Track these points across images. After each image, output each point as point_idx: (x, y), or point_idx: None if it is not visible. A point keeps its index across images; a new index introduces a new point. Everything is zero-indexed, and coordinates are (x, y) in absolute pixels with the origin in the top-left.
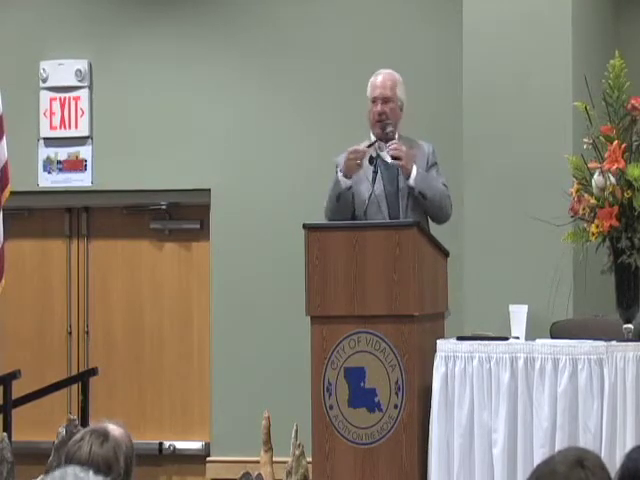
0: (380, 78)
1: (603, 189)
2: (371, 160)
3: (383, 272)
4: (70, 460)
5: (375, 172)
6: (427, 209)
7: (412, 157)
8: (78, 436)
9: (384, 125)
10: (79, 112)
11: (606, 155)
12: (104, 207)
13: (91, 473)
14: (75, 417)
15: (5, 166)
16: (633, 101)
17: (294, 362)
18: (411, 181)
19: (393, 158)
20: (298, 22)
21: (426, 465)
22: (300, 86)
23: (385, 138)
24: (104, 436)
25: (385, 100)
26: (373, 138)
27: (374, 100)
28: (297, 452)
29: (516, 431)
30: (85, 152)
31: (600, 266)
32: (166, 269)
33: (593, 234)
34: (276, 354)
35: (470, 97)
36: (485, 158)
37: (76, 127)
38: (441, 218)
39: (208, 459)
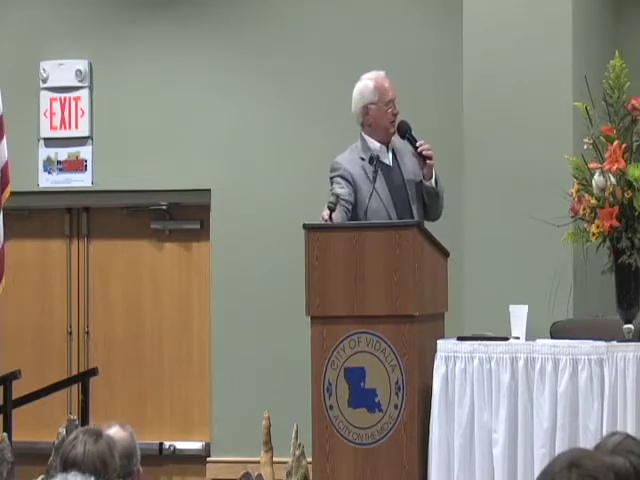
0: (387, 81)
1: (603, 189)
2: (371, 160)
3: (383, 272)
4: (66, 459)
5: (375, 172)
6: (432, 206)
7: None
8: (72, 436)
9: (402, 126)
10: (79, 112)
11: (606, 155)
12: (104, 207)
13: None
14: (75, 417)
15: (5, 166)
16: (633, 101)
17: (294, 362)
18: (433, 182)
19: (427, 158)
20: (298, 22)
21: (426, 465)
22: (300, 86)
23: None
24: (97, 434)
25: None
26: (376, 144)
27: (389, 102)
28: (297, 452)
29: (516, 431)
30: (85, 152)
31: (600, 266)
32: (166, 269)
33: (593, 234)
34: (276, 354)
35: (470, 97)
36: (485, 158)
37: (76, 127)
38: (438, 216)
39: (208, 459)
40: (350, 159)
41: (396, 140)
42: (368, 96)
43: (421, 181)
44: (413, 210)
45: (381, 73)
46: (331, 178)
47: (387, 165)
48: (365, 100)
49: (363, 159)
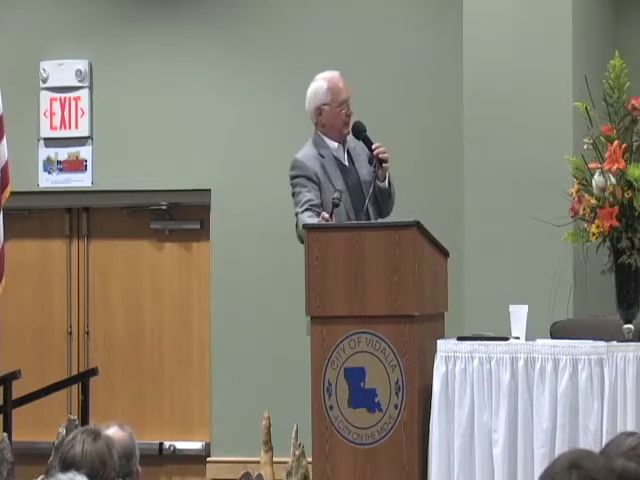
0: (342, 81)
1: (603, 189)
2: (370, 160)
3: (383, 272)
4: (64, 459)
5: (375, 172)
6: (384, 206)
7: None
8: (71, 436)
9: (357, 126)
10: (79, 112)
11: (606, 155)
12: (104, 207)
13: None
14: (75, 417)
15: (5, 166)
16: (633, 101)
17: (294, 362)
18: (387, 183)
19: (382, 161)
20: (298, 22)
21: (426, 465)
22: (300, 86)
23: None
24: (95, 434)
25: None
26: (333, 143)
27: (342, 103)
28: (297, 452)
29: (516, 431)
30: (85, 152)
31: (600, 266)
32: (166, 269)
33: (593, 234)
34: (276, 354)
35: (470, 97)
36: (485, 158)
37: (76, 127)
38: (389, 213)
39: (208, 459)
40: (310, 157)
41: (350, 140)
42: (321, 97)
43: (374, 181)
44: (369, 210)
45: (335, 73)
46: (294, 177)
47: (344, 165)
48: (318, 101)
49: (322, 156)
